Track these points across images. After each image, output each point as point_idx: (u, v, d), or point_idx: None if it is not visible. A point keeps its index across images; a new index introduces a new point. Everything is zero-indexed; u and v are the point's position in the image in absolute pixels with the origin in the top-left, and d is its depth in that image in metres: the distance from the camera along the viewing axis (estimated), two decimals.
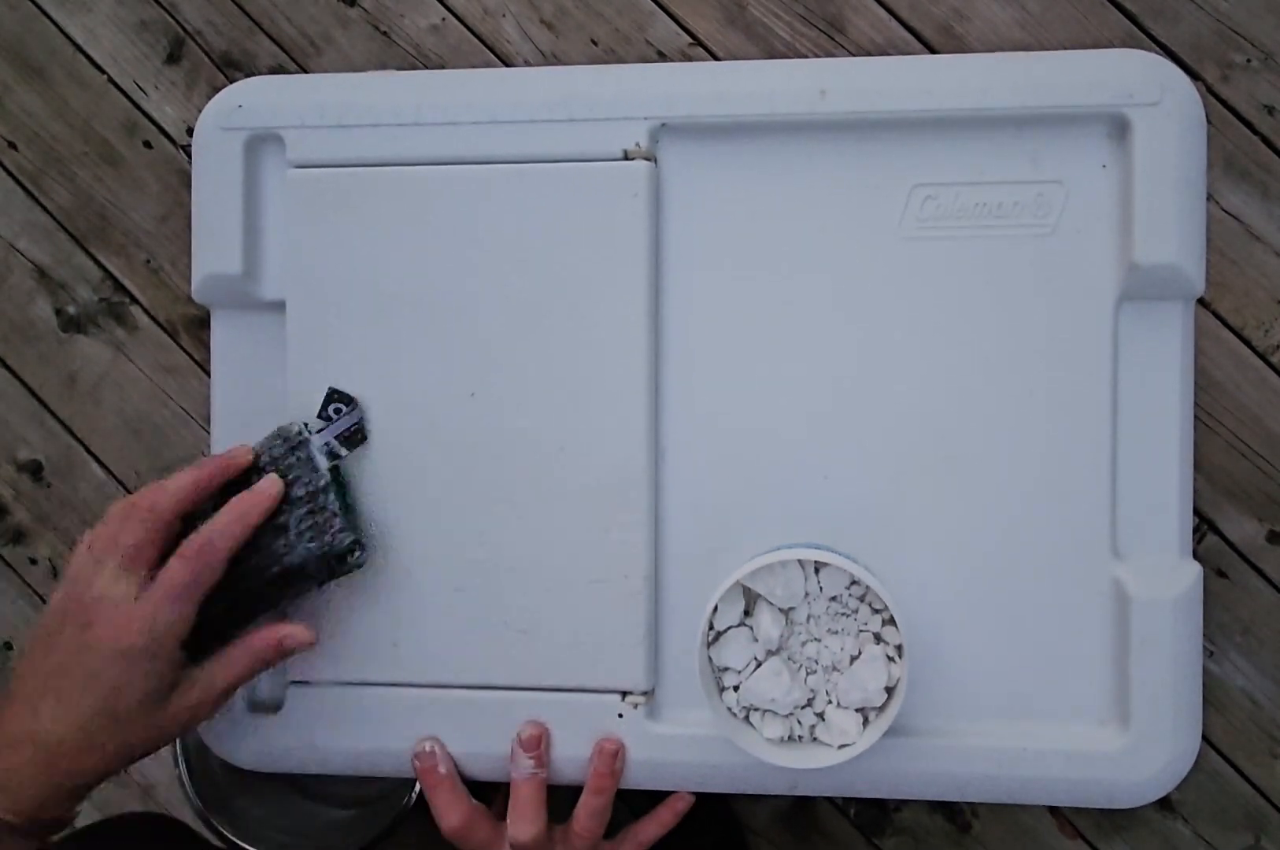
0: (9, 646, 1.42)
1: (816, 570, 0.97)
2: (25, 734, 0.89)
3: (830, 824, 1.31)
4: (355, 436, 1.04)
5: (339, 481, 1.03)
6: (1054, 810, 1.30)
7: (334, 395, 1.04)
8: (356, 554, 1.01)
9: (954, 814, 1.30)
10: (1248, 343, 1.24)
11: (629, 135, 1.02)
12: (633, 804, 1.29)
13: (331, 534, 0.99)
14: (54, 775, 0.89)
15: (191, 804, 1.22)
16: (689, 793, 1.05)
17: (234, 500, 0.96)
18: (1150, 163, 0.96)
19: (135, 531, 0.91)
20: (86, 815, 1.31)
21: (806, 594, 0.97)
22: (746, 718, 0.98)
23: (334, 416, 1.04)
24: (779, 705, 0.95)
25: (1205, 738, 1.16)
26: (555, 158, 1.02)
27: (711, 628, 0.97)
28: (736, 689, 0.97)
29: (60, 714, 0.88)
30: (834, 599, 0.97)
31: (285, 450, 1.02)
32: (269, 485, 0.98)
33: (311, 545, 0.99)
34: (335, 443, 1.03)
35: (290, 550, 0.99)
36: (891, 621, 0.96)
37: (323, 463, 1.02)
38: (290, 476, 1.01)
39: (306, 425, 1.03)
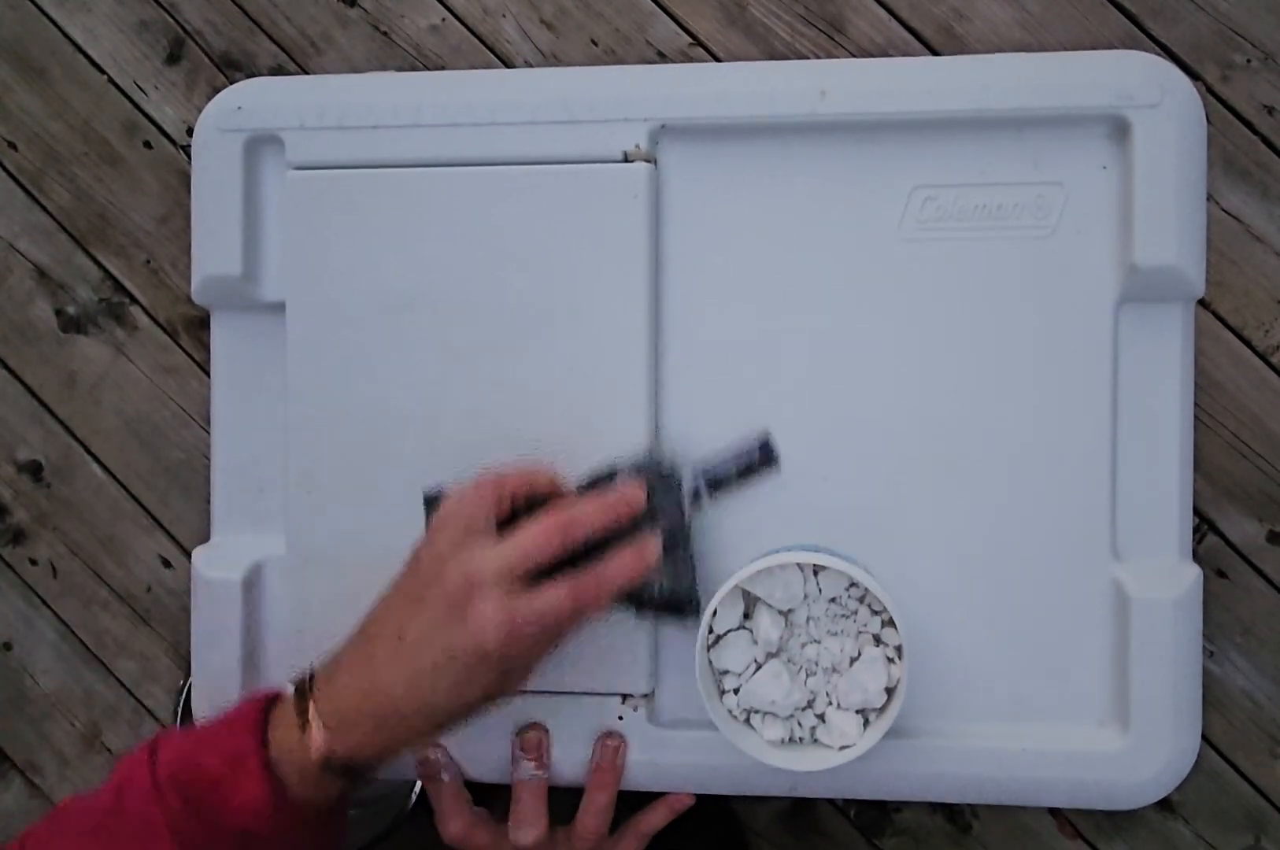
0: (9, 647, 1.42)
1: (815, 572, 0.97)
2: (365, 683, 0.90)
3: (830, 825, 1.31)
4: (724, 486, 1.03)
5: (687, 529, 1.02)
6: (1054, 811, 1.30)
7: (766, 445, 1.04)
8: (692, 608, 1.01)
9: (954, 815, 1.30)
10: (1248, 343, 1.24)
11: (629, 137, 1.02)
12: (633, 805, 1.29)
13: (685, 584, 1.00)
14: (381, 727, 0.89)
15: None
16: (689, 794, 1.05)
17: (625, 551, 0.93)
18: (1150, 164, 0.96)
19: (548, 551, 0.90)
20: None
21: (806, 596, 0.97)
22: (747, 720, 0.98)
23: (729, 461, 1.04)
24: (779, 707, 0.95)
25: (1205, 738, 1.15)
26: (555, 159, 1.03)
27: (711, 631, 0.97)
28: (737, 691, 0.97)
29: (403, 679, 0.89)
30: (833, 601, 0.97)
31: (659, 482, 1.00)
32: (654, 547, 0.95)
33: (664, 585, 0.99)
34: (704, 486, 1.02)
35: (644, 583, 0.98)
36: (891, 623, 0.96)
37: (686, 504, 1.01)
38: (660, 509, 1.00)
39: (675, 458, 1.02)
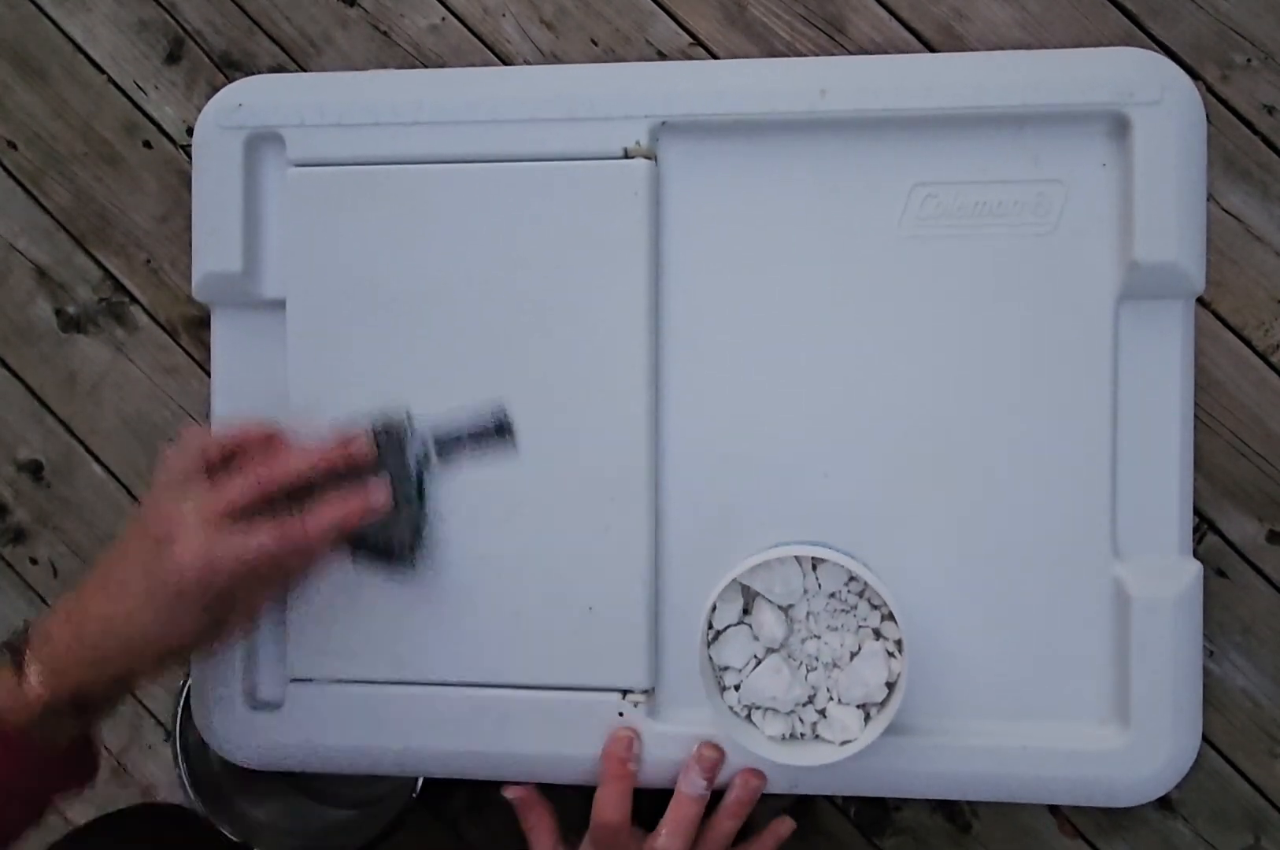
0: None
1: (814, 567, 0.97)
2: (76, 625, 0.92)
3: (830, 824, 1.31)
4: (454, 449, 1.05)
5: (419, 487, 1.04)
6: (1054, 810, 1.30)
7: (501, 418, 1.05)
8: (405, 561, 1.03)
9: (954, 814, 1.30)
10: (1248, 343, 1.24)
11: (629, 133, 1.02)
12: (634, 804, 1.29)
13: (403, 536, 1.03)
14: (97, 663, 0.91)
15: (191, 804, 1.22)
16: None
17: (346, 498, 0.96)
18: (1150, 161, 0.96)
19: (249, 493, 0.93)
20: (84, 816, 1.31)
21: (805, 591, 0.97)
22: (748, 716, 0.98)
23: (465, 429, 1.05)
24: (780, 703, 0.95)
25: (1205, 737, 1.15)
26: (555, 156, 1.03)
27: (711, 627, 0.97)
28: (737, 687, 0.97)
29: (110, 614, 0.91)
30: (833, 595, 0.97)
31: (385, 439, 1.02)
32: (380, 497, 0.98)
33: (381, 534, 1.02)
34: (432, 447, 1.04)
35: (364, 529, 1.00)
36: (890, 617, 0.96)
37: (413, 461, 1.03)
38: (384, 463, 1.02)
39: (410, 418, 1.04)
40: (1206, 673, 1.12)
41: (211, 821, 1.21)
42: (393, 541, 1.02)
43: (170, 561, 0.89)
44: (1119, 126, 0.98)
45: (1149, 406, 1.00)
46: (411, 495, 1.02)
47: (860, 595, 0.97)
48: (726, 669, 0.98)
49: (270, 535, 0.91)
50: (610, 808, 1.00)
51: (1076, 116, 0.98)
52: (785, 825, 1.05)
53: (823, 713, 0.97)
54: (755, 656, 0.97)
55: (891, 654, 0.96)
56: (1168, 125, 0.96)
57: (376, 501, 0.96)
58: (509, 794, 1.05)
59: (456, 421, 1.04)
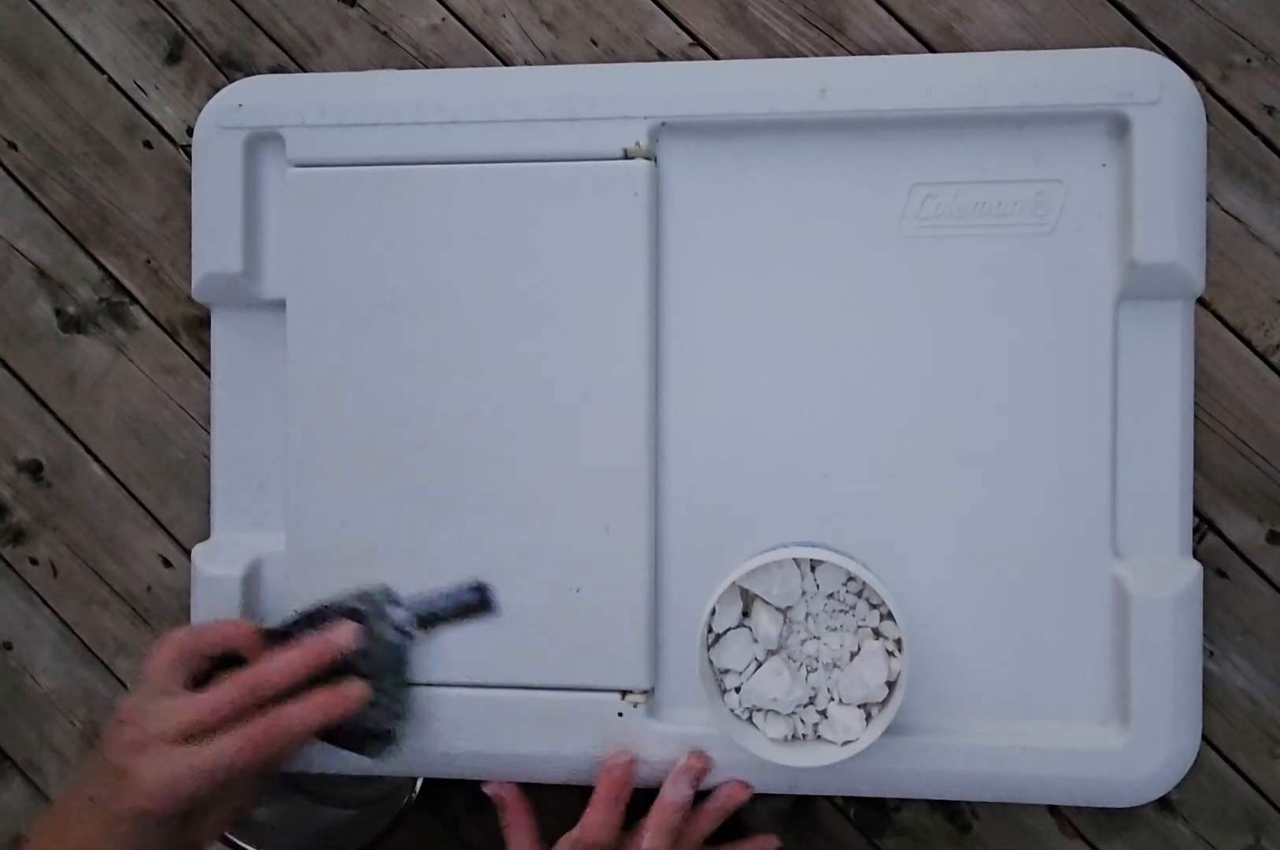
0: (9, 646, 1.42)
1: (813, 568, 0.97)
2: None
3: (830, 824, 1.31)
4: (436, 626, 1.05)
5: (400, 661, 1.03)
6: (1054, 810, 1.30)
7: (483, 593, 1.05)
8: (383, 744, 1.04)
9: (954, 814, 1.30)
10: (1248, 343, 1.24)
11: (629, 134, 1.02)
12: (634, 803, 1.29)
13: (382, 721, 1.03)
14: None
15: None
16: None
17: (323, 697, 0.95)
18: (1150, 161, 0.96)
19: (221, 712, 0.92)
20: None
21: (804, 592, 0.97)
22: (749, 718, 0.98)
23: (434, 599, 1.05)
24: (781, 705, 0.95)
25: (1205, 738, 1.15)
26: (555, 156, 1.03)
27: (710, 630, 0.97)
28: (738, 690, 0.97)
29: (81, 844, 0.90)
30: (831, 596, 0.97)
31: (365, 623, 1.02)
32: (358, 691, 0.97)
33: (354, 717, 0.99)
34: (411, 622, 1.03)
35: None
36: (889, 616, 0.96)
37: (393, 637, 1.02)
38: (364, 653, 1.01)
39: (389, 594, 1.04)
40: (1206, 673, 1.12)
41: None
42: (369, 729, 1.02)
43: (130, 788, 0.89)
44: (1119, 126, 0.98)
45: (1149, 406, 1.00)
46: (392, 684, 1.02)
47: (859, 595, 0.97)
48: (727, 672, 0.98)
49: (237, 747, 0.90)
50: (601, 828, 0.99)
51: (1076, 116, 0.98)
52: (770, 841, 1.05)
53: (824, 713, 0.97)
54: (755, 659, 0.97)
55: (891, 653, 0.96)
56: (1167, 125, 0.96)
57: (354, 700, 0.96)
58: (488, 790, 1.05)
59: (437, 600, 1.04)
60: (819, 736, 0.98)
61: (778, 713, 0.97)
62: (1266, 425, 1.23)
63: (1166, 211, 0.96)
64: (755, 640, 0.97)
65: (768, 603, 0.97)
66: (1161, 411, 1.00)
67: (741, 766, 1.01)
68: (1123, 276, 0.98)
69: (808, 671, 0.97)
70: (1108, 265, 0.99)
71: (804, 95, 1.00)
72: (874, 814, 1.31)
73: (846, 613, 0.97)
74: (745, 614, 0.98)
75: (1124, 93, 0.97)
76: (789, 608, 0.97)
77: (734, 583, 0.96)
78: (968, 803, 1.29)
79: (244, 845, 1.20)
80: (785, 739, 0.98)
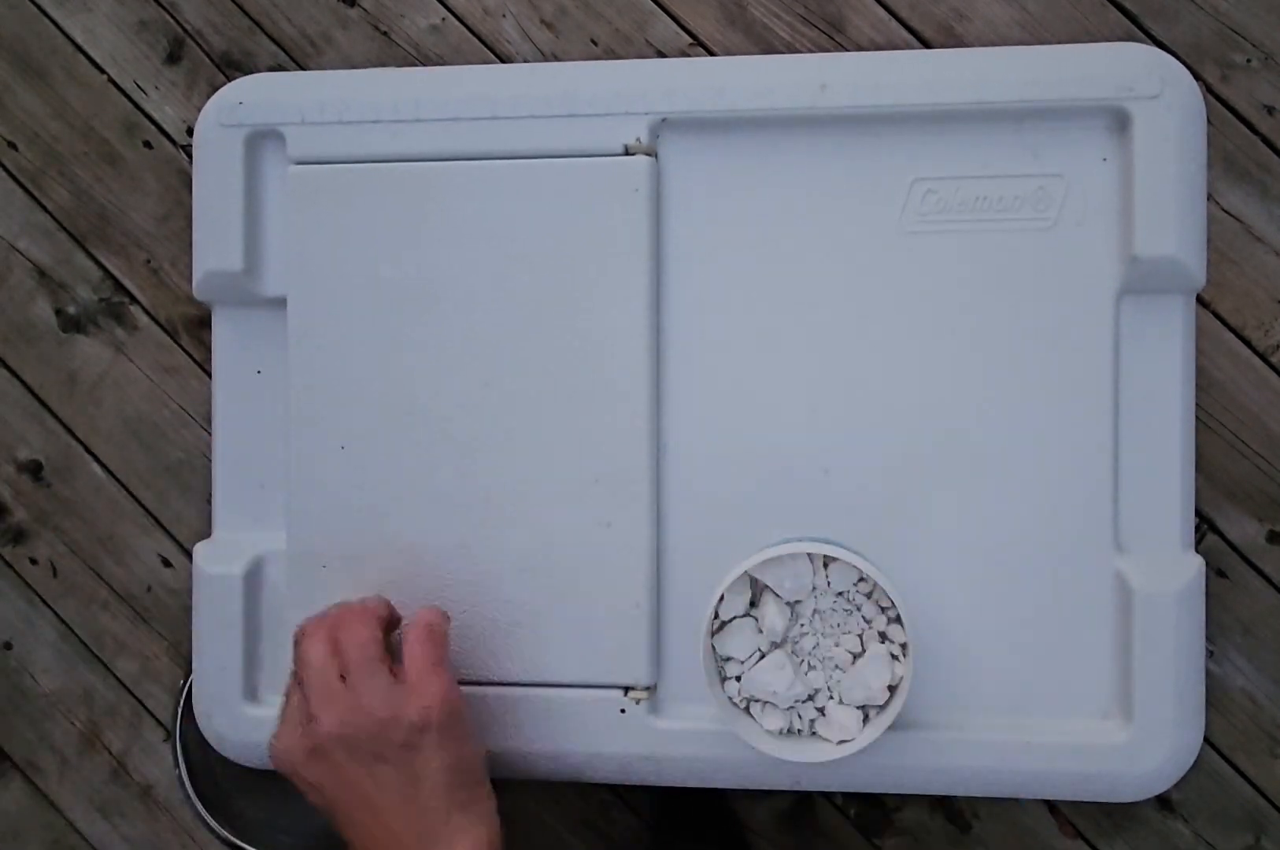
0: (9, 647, 1.42)
1: (825, 565, 0.97)
2: None
3: (830, 824, 1.31)
4: None
5: None
6: (1054, 810, 1.30)
7: None
8: None
9: (954, 814, 1.30)
10: (1248, 343, 1.24)
11: (630, 130, 1.02)
12: (633, 803, 1.29)
13: None
14: None
15: (191, 804, 1.22)
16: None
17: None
18: (1151, 156, 0.96)
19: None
20: (84, 816, 1.31)
21: (814, 588, 0.97)
22: (747, 709, 0.98)
23: None
24: (780, 698, 0.95)
25: (1205, 738, 1.15)
26: (556, 153, 1.03)
27: (717, 617, 0.97)
28: (739, 679, 0.97)
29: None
30: (841, 595, 0.97)
31: None
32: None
33: None
34: None
35: None
36: (897, 620, 0.96)
37: None
38: None
39: None
40: (1207, 673, 1.13)
41: (208, 822, 1.21)
42: None
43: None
44: (1119, 121, 0.98)
45: (1150, 401, 1.00)
46: None
47: (868, 596, 0.97)
48: (729, 660, 0.97)
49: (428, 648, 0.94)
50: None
51: (1076, 111, 0.98)
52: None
53: (822, 711, 0.97)
54: (759, 650, 0.97)
55: (895, 657, 0.96)
56: (1168, 119, 0.96)
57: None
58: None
59: None
60: (814, 733, 0.98)
61: (775, 705, 0.97)
62: (1266, 425, 1.23)
63: (1167, 206, 0.96)
64: (760, 631, 0.97)
65: (778, 595, 0.97)
66: (1163, 406, 1.00)
67: (740, 762, 1.01)
68: (1124, 271, 0.98)
69: (810, 668, 0.97)
70: (1109, 260, 0.99)
71: (805, 91, 1.00)
72: (874, 814, 1.31)
73: (854, 613, 0.97)
74: (753, 604, 0.98)
75: (1124, 87, 0.97)
76: (798, 602, 0.97)
77: (746, 572, 0.96)
78: (968, 803, 1.29)
79: (244, 845, 1.20)
80: (780, 732, 0.98)
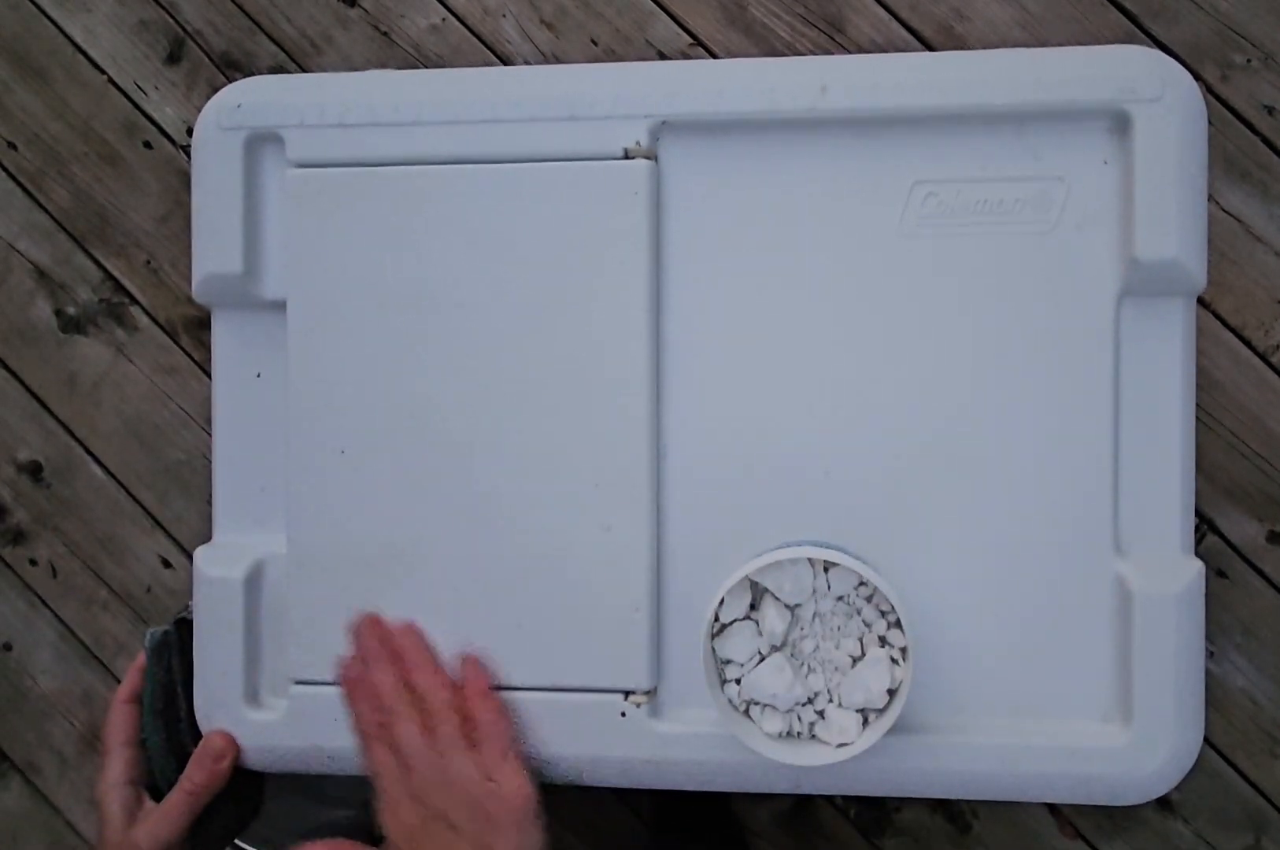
0: (9, 647, 1.42)
1: (826, 569, 0.97)
2: None
3: (831, 825, 1.31)
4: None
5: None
6: (1054, 811, 1.30)
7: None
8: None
9: (954, 815, 1.30)
10: (1248, 343, 1.24)
11: (629, 133, 1.02)
12: (635, 805, 1.29)
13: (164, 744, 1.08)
14: None
15: None
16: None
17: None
18: (1152, 158, 0.96)
19: None
20: (84, 816, 1.31)
21: (814, 592, 0.97)
22: (746, 711, 0.98)
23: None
24: (779, 701, 0.95)
25: (1206, 738, 1.16)
26: (556, 156, 1.02)
27: (717, 619, 0.97)
28: (738, 682, 0.97)
29: None
30: (841, 598, 0.97)
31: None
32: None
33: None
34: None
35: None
36: (897, 624, 0.96)
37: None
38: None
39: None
40: (1206, 673, 1.13)
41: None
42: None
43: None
44: (1120, 123, 0.98)
45: (1150, 403, 1.00)
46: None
47: (868, 600, 0.97)
48: (729, 662, 0.97)
49: None
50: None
51: (1077, 113, 0.98)
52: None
53: (821, 714, 0.97)
54: (759, 653, 0.97)
55: (895, 661, 0.96)
56: (1169, 122, 0.96)
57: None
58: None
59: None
60: (814, 736, 0.98)
61: (775, 708, 0.97)
62: (1266, 425, 1.23)
63: (1168, 208, 0.96)
64: (760, 634, 0.97)
65: (778, 598, 0.97)
66: (1163, 408, 1.00)
67: (740, 765, 1.01)
68: (1124, 273, 0.98)
69: (809, 671, 0.97)
70: (1109, 262, 0.99)
71: (805, 93, 1.00)
72: (874, 815, 1.31)
73: (854, 617, 0.97)
74: (753, 607, 0.98)
75: (1125, 90, 0.97)
76: (798, 606, 0.97)
77: (746, 576, 0.96)
78: (968, 803, 1.29)
79: (244, 845, 1.20)
80: (780, 735, 0.98)
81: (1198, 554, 1.01)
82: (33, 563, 1.41)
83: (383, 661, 1.01)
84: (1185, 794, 1.28)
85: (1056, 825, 1.29)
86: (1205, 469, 1.21)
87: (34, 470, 1.40)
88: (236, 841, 1.20)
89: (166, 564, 1.37)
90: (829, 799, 1.31)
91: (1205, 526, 1.26)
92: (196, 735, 1.07)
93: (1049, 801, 1.17)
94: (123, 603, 1.39)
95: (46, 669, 1.41)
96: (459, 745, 0.97)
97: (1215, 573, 1.24)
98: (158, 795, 1.05)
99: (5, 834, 1.41)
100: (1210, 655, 1.23)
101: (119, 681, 1.39)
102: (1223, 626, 1.26)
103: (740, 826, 1.30)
